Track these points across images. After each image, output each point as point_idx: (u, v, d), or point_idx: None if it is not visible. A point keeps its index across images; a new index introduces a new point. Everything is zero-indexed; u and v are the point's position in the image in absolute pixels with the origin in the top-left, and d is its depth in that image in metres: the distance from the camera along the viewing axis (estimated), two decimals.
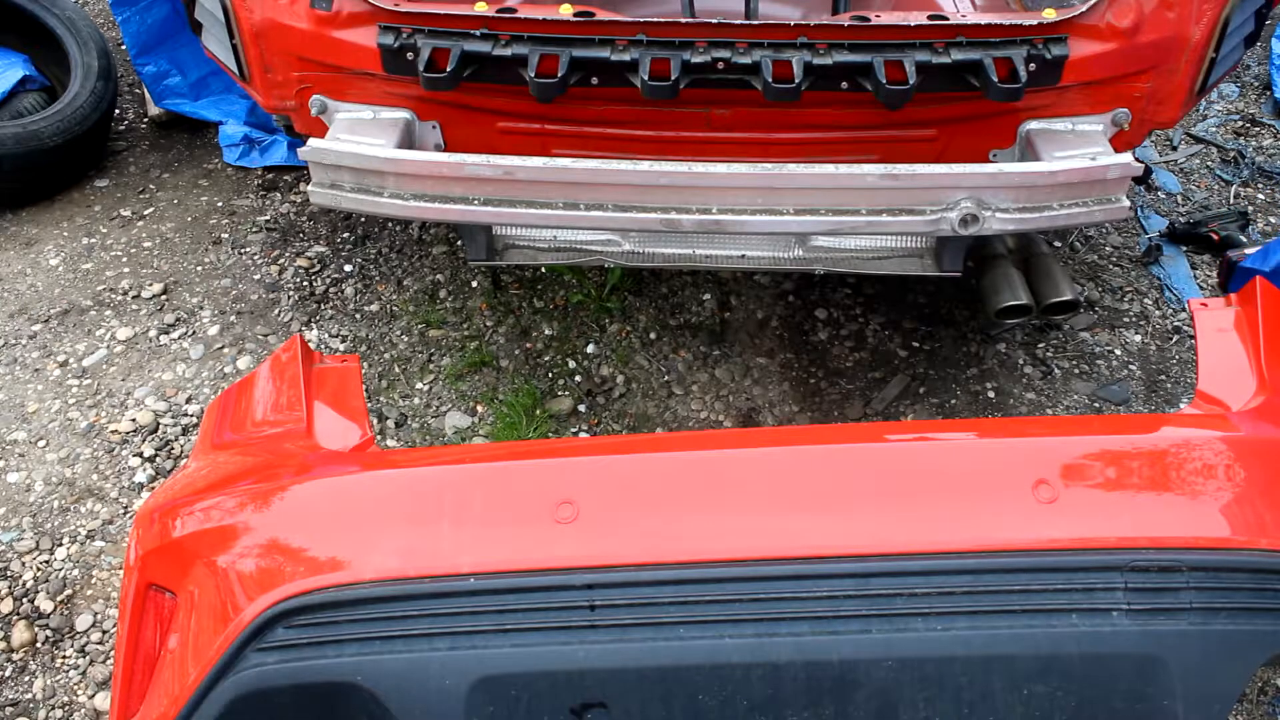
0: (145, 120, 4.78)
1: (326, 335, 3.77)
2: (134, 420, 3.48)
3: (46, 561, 3.11)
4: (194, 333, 3.79)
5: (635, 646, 1.42)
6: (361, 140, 2.77)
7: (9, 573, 3.08)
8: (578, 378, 3.62)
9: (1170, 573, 1.44)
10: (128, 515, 3.23)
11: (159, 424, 3.47)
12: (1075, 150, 2.73)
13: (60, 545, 3.15)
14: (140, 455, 3.38)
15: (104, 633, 2.96)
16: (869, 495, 1.55)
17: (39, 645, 2.94)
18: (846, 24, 2.67)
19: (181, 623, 1.60)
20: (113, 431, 3.45)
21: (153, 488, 3.28)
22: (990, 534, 1.48)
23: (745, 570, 1.45)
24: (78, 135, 4.24)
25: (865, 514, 1.52)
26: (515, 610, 1.44)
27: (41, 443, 3.44)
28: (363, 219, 4.16)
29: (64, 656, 2.91)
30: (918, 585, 1.43)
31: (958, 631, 1.41)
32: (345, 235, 4.14)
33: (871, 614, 1.42)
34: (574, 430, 3.49)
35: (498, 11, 2.66)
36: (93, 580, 3.07)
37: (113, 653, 2.85)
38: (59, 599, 3.03)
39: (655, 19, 2.65)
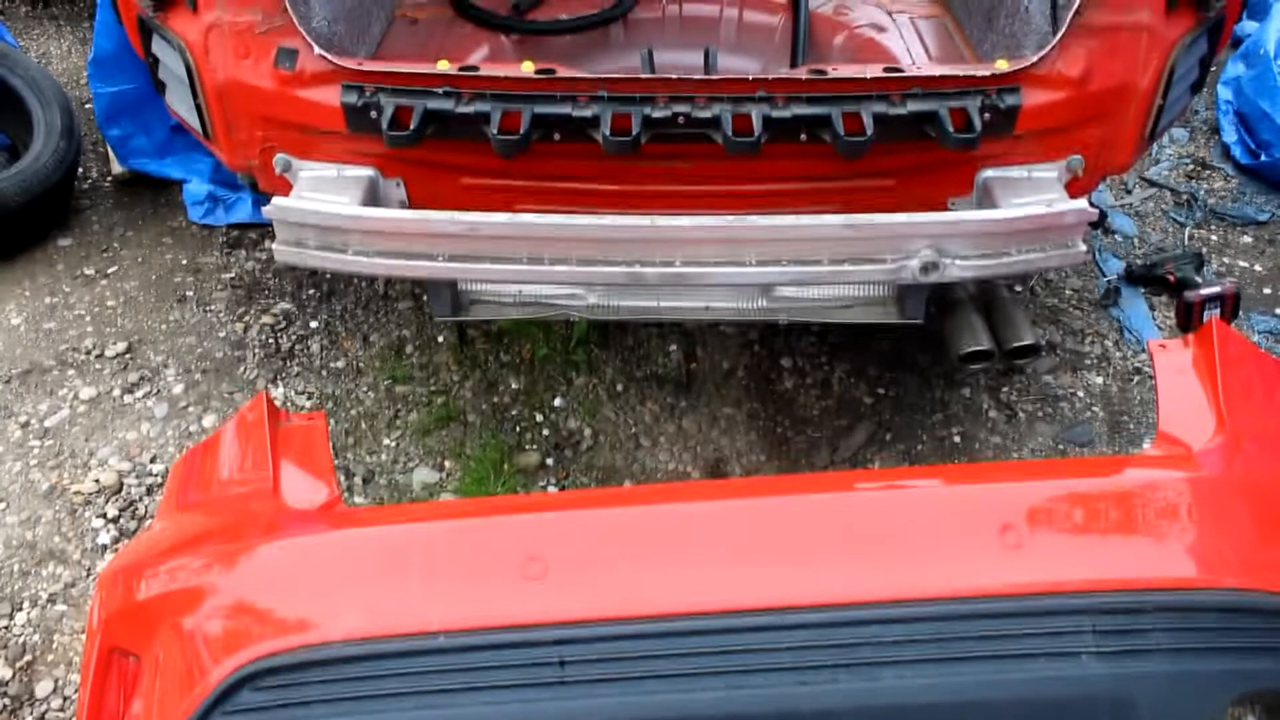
0: (109, 178, 4.75)
1: (292, 392, 3.75)
2: (97, 481, 3.44)
3: (6, 627, 3.06)
4: (158, 391, 3.76)
5: (606, 702, 1.42)
6: (325, 198, 2.77)
7: None
8: (545, 431, 3.62)
9: (1138, 614, 1.45)
10: (90, 578, 3.18)
11: (123, 484, 3.43)
12: (1032, 197, 2.77)
13: (20, 610, 3.10)
14: (104, 516, 3.33)
15: (65, 699, 2.91)
16: (836, 545, 1.55)
17: None
18: (804, 77, 2.71)
19: (146, 687, 1.58)
20: (75, 492, 3.41)
21: (116, 549, 3.24)
22: (958, 580, 1.49)
23: (714, 623, 1.45)
24: (40, 194, 4.20)
25: (833, 563, 1.53)
26: (485, 668, 1.43)
27: (1, 505, 3.38)
28: (328, 275, 4.16)
29: None
30: (886, 634, 1.43)
31: (927, 679, 1.42)
32: (311, 292, 4.13)
33: (840, 664, 1.42)
34: (542, 484, 3.48)
35: (460, 70, 2.68)
36: (54, 645, 3.02)
37: None
38: (18, 665, 2.97)
39: (616, 75, 2.69)
